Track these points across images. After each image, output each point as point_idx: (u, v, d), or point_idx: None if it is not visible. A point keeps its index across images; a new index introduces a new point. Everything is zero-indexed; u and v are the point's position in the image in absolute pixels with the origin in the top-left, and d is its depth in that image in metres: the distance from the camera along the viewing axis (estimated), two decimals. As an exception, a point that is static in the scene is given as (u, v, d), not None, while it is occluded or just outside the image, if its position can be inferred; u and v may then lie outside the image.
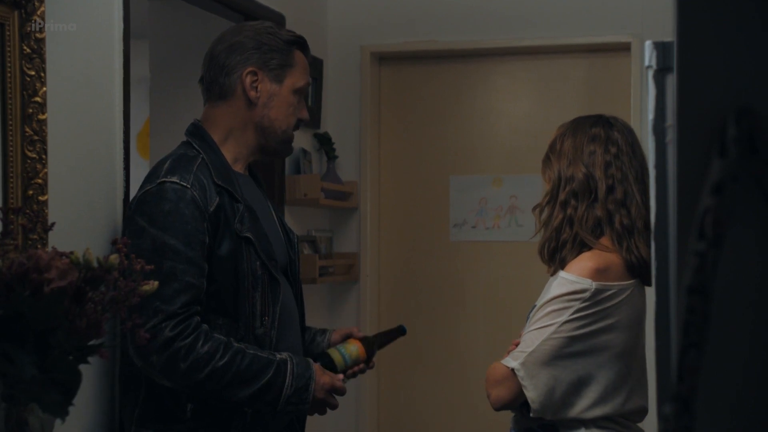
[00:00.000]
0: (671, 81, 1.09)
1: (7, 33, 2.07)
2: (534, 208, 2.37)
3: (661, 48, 1.13)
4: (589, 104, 4.09)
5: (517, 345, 2.26)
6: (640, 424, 2.32)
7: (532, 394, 2.17)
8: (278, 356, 2.26)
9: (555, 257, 2.28)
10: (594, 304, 2.17)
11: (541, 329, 2.19)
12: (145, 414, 2.27)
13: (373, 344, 2.48)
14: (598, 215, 2.24)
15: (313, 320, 3.56)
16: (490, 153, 4.31)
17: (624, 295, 2.20)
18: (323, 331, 2.57)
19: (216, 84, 2.38)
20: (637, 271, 2.23)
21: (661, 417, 0.92)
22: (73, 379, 1.61)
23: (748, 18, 0.99)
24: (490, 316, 4.24)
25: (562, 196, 2.27)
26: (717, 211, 0.90)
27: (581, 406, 2.19)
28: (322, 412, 2.37)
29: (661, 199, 1.12)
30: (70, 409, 1.60)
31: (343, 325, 4.22)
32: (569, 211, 2.26)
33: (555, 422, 2.21)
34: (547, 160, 2.35)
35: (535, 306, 2.28)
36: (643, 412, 2.28)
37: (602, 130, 2.29)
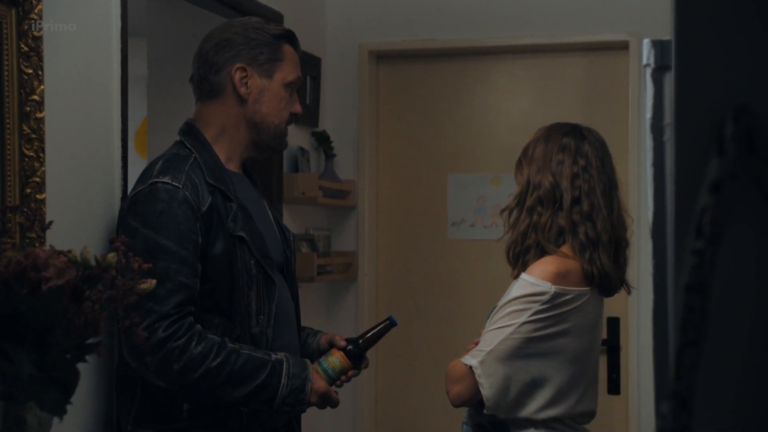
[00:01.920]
0: (669, 79, 1.09)
1: (5, 31, 2.07)
2: (502, 211, 2.42)
3: (659, 46, 1.13)
4: (588, 103, 4.09)
5: (477, 344, 2.30)
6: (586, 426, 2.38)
7: (487, 392, 2.22)
8: (274, 356, 2.26)
9: (519, 261, 2.33)
10: (552, 308, 2.22)
11: (501, 329, 2.24)
12: (142, 414, 2.26)
13: (360, 347, 2.44)
14: (561, 224, 2.29)
15: (311, 319, 3.56)
16: (488, 151, 4.31)
17: (581, 301, 2.25)
18: (315, 333, 2.56)
19: (206, 82, 2.37)
20: (596, 281, 2.28)
21: (659, 415, 0.92)
22: (71, 377, 1.61)
23: (747, 16, 0.99)
24: (487, 314, 4.24)
25: (529, 202, 2.33)
26: (715, 210, 0.90)
27: (533, 407, 2.25)
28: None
29: (659, 197, 1.12)
30: (68, 407, 1.60)
31: (341, 324, 4.23)
32: (535, 217, 2.32)
33: (506, 420, 2.26)
34: (519, 164, 2.41)
35: (496, 306, 2.32)
36: (591, 414, 2.36)
37: (573, 141, 2.34)
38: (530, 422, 2.25)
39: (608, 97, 4.09)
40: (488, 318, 2.33)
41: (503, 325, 2.23)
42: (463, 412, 2.45)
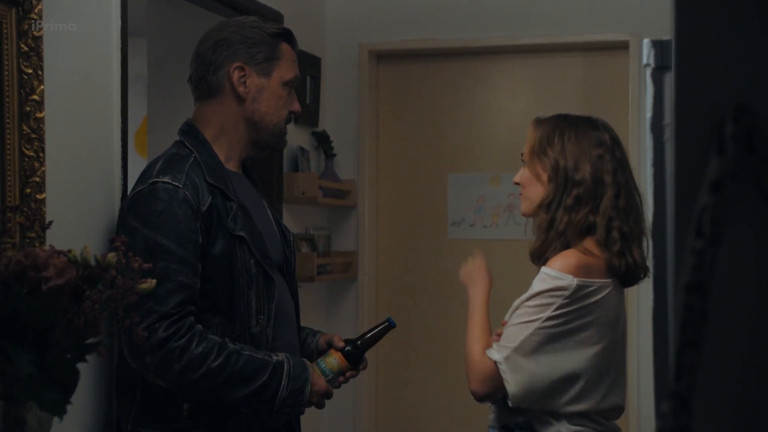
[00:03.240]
0: (669, 79, 1.09)
1: (5, 31, 2.07)
2: (534, 212, 2.31)
3: (659, 46, 1.13)
4: (588, 102, 4.09)
5: (500, 335, 2.27)
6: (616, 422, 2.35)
7: (512, 389, 2.20)
8: (275, 357, 2.26)
9: (541, 258, 2.29)
10: (575, 301, 2.19)
11: (525, 324, 2.21)
12: (142, 414, 2.26)
13: (358, 349, 2.44)
14: (596, 221, 2.24)
15: (311, 318, 3.56)
16: (488, 151, 4.31)
17: (603, 294, 2.22)
18: (314, 333, 2.56)
19: (204, 82, 2.37)
20: (621, 273, 2.25)
21: (659, 415, 0.92)
22: (71, 377, 1.61)
23: (746, 16, 0.99)
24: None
25: (568, 201, 2.25)
26: (715, 210, 0.90)
27: (560, 402, 2.22)
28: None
29: (659, 197, 1.12)
30: (68, 407, 1.60)
31: (341, 323, 4.23)
32: (572, 215, 2.24)
33: (531, 421, 2.24)
34: (540, 156, 2.31)
35: (518, 300, 2.28)
36: (619, 410, 2.32)
37: (606, 134, 2.30)
38: (556, 420, 2.23)
39: (608, 97, 4.09)
40: (510, 310, 2.29)
41: (528, 320, 2.20)
42: (459, 408, 2.44)
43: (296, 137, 3.94)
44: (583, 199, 2.25)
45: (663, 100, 1.12)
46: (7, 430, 1.61)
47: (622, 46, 4.03)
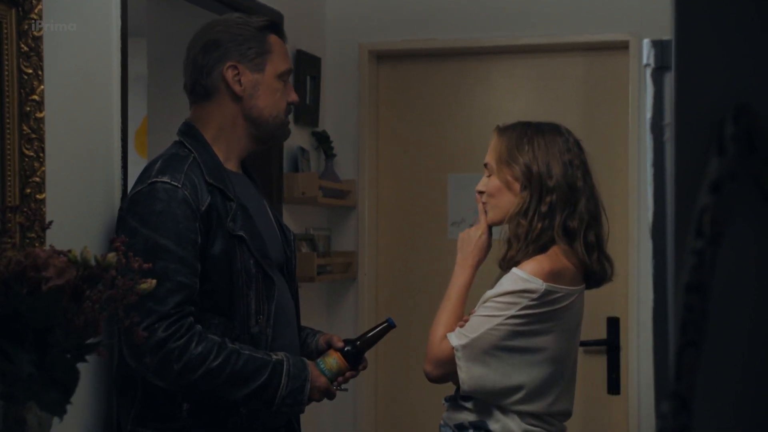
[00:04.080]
0: (669, 79, 1.09)
1: (5, 31, 2.07)
2: (510, 220, 2.31)
3: (659, 46, 1.13)
4: (588, 103, 4.09)
5: (466, 321, 2.31)
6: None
7: (464, 376, 2.26)
8: (274, 357, 2.26)
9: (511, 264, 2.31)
10: (541, 305, 2.22)
11: (489, 317, 2.24)
12: (142, 413, 2.26)
13: (357, 349, 2.44)
14: (569, 226, 2.25)
15: (311, 318, 3.56)
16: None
17: (569, 301, 2.26)
18: (314, 333, 2.56)
19: (199, 86, 2.36)
20: (594, 279, 2.30)
21: (659, 415, 0.92)
22: (71, 377, 1.61)
23: (747, 16, 0.99)
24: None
25: (543, 207, 2.26)
26: (715, 210, 0.90)
27: (509, 402, 2.26)
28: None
29: (659, 197, 1.12)
30: (68, 407, 1.60)
31: (341, 324, 4.23)
32: (546, 222, 2.26)
33: (484, 420, 2.28)
34: (509, 164, 2.31)
35: (485, 295, 2.31)
36: (567, 414, 2.36)
37: (571, 138, 2.33)
38: (509, 416, 2.26)
39: (608, 97, 4.09)
40: (480, 302, 2.32)
41: (492, 314, 2.24)
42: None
43: (296, 137, 3.94)
44: (558, 205, 2.26)
45: (663, 100, 1.12)
46: (7, 430, 1.61)
47: (622, 46, 4.03)
